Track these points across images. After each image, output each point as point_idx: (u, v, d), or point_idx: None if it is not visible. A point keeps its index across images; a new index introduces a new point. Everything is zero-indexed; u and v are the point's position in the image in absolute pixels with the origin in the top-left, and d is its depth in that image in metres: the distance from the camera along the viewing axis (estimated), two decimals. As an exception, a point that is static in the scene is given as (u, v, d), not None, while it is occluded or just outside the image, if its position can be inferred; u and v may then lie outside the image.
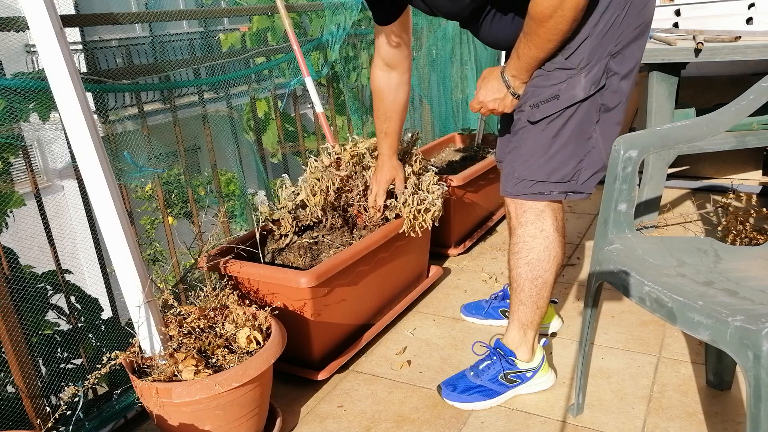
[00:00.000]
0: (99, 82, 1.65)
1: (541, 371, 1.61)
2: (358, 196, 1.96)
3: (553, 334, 1.90)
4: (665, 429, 1.47)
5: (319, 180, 1.92)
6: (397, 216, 1.93)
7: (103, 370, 1.38)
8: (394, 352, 1.89)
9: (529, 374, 1.60)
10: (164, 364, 1.39)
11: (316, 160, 1.97)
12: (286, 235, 1.89)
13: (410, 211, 1.87)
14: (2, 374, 1.49)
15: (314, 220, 1.92)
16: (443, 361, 1.82)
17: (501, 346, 1.61)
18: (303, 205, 1.95)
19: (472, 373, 1.63)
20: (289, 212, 1.92)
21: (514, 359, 1.59)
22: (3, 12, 1.49)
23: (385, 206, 1.93)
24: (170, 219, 2.27)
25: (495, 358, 1.61)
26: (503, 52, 1.56)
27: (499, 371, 1.59)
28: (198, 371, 1.35)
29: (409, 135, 2.19)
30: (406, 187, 1.92)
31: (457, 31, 3.52)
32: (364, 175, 1.97)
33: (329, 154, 2.00)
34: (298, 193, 1.94)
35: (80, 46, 6.96)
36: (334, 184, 1.92)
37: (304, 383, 1.76)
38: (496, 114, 1.52)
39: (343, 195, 1.96)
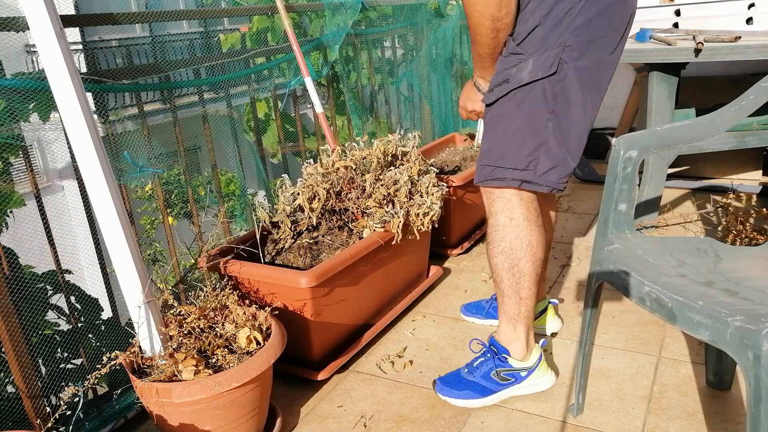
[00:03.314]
0: (99, 82, 1.65)
1: (537, 371, 1.60)
2: (356, 198, 1.96)
3: (554, 334, 1.90)
4: (665, 429, 1.47)
5: (314, 185, 1.91)
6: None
7: (103, 370, 1.38)
8: (394, 353, 1.89)
9: (523, 373, 1.59)
10: (164, 364, 1.39)
11: (309, 165, 1.96)
12: (285, 239, 1.89)
13: (398, 224, 1.85)
14: (2, 374, 1.49)
15: (312, 224, 1.92)
16: (443, 361, 1.82)
17: (494, 343, 1.61)
18: (301, 209, 1.94)
19: (466, 370, 1.63)
20: (288, 216, 1.91)
21: (507, 356, 1.58)
22: (3, 12, 1.49)
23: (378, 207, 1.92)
24: (170, 219, 2.27)
25: (488, 355, 1.61)
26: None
27: (492, 368, 1.59)
28: (198, 371, 1.35)
29: (410, 135, 2.19)
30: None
31: (457, 31, 3.52)
32: (364, 178, 1.96)
33: (325, 160, 1.99)
34: (297, 196, 1.94)
35: (80, 46, 6.96)
36: (332, 188, 1.92)
37: (304, 383, 1.76)
38: (478, 114, 1.62)
39: (342, 198, 1.96)
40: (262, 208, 1.95)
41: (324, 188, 1.89)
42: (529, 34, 1.36)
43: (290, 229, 1.89)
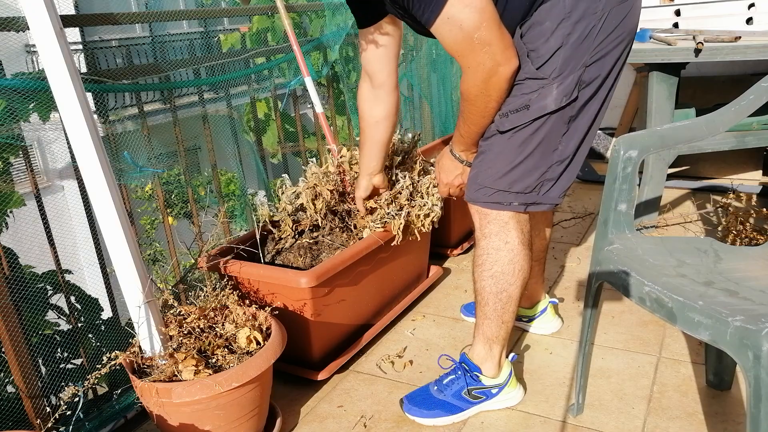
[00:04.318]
0: (99, 82, 1.65)
1: (507, 387, 1.57)
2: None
3: (554, 334, 1.90)
4: (665, 429, 1.47)
5: (316, 186, 1.91)
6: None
7: (103, 370, 1.38)
8: (394, 353, 1.89)
9: (494, 390, 1.56)
10: (164, 364, 1.39)
11: (312, 164, 1.97)
12: (285, 239, 1.89)
13: (399, 226, 1.85)
14: (2, 374, 1.49)
15: (314, 224, 1.92)
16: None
17: (466, 361, 1.57)
18: (303, 208, 1.95)
19: (435, 388, 1.58)
20: (289, 215, 1.91)
21: (479, 375, 1.55)
22: (3, 12, 1.49)
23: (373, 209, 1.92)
24: (170, 219, 2.27)
25: (459, 372, 1.57)
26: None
27: (463, 387, 1.55)
28: (198, 371, 1.35)
29: (410, 135, 2.19)
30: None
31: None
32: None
33: (330, 159, 2.00)
34: (299, 195, 1.94)
35: (80, 46, 6.96)
36: (336, 188, 1.92)
37: (304, 383, 1.76)
38: (464, 188, 1.54)
39: (344, 200, 1.96)
40: (263, 206, 1.95)
41: (328, 189, 1.90)
42: (552, 56, 1.28)
43: (291, 228, 1.89)
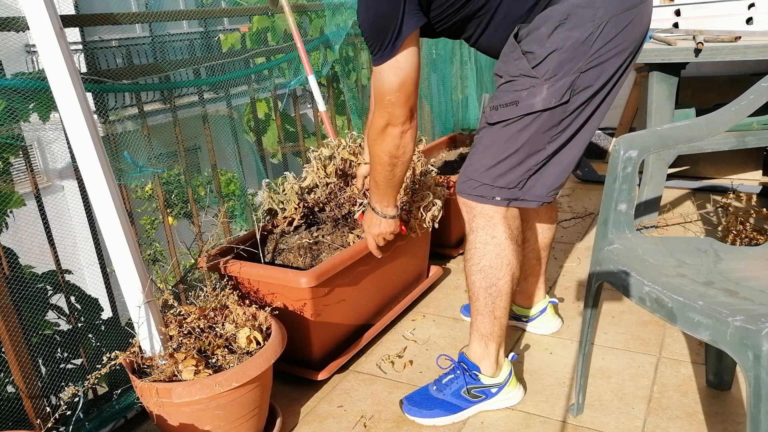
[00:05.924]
0: (99, 82, 1.65)
1: (507, 387, 1.57)
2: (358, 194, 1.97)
3: (553, 334, 1.90)
4: (665, 429, 1.47)
5: (324, 161, 1.94)
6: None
7: (103, 370, 1.38)
8: (394, 353, 1.89)
9: (494, 389, 1.56)
10: (164, 364, 1.39)
11: (315, 150, 1.99)
12: (292, 221, 1.88)
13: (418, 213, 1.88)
14: (2, 374, 1.49)
15: (321, 203, 1.92)
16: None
17: (464, 360, 1.57)
18: (309, 191, 1.96)
19: (434, 388, 1.58)
20: (296, 194, 1.92)
21: (477, 374, 1.55)
22: (3, 12, 1.49)
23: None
24: (170, 219, 2.27)
25: (458, 372, 1.57)
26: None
27: (462, 386, 1.55)
28: (198, 371, 1.35)
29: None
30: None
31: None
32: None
33: (330, 149, 2.02)
34: (306, 176, 1.96)
35: (80, 46, 6.96)
36: (342, 168, 1.94)
37: (304, 383, 1.76)
38: (388, 238, 1.69)
39: (347, 186, 1.97)
40: (270, 188, 1.95)
41: (332, 167, 1.92)
42: (546, 58, 1.30)
43: (297, 205, 1.88)
